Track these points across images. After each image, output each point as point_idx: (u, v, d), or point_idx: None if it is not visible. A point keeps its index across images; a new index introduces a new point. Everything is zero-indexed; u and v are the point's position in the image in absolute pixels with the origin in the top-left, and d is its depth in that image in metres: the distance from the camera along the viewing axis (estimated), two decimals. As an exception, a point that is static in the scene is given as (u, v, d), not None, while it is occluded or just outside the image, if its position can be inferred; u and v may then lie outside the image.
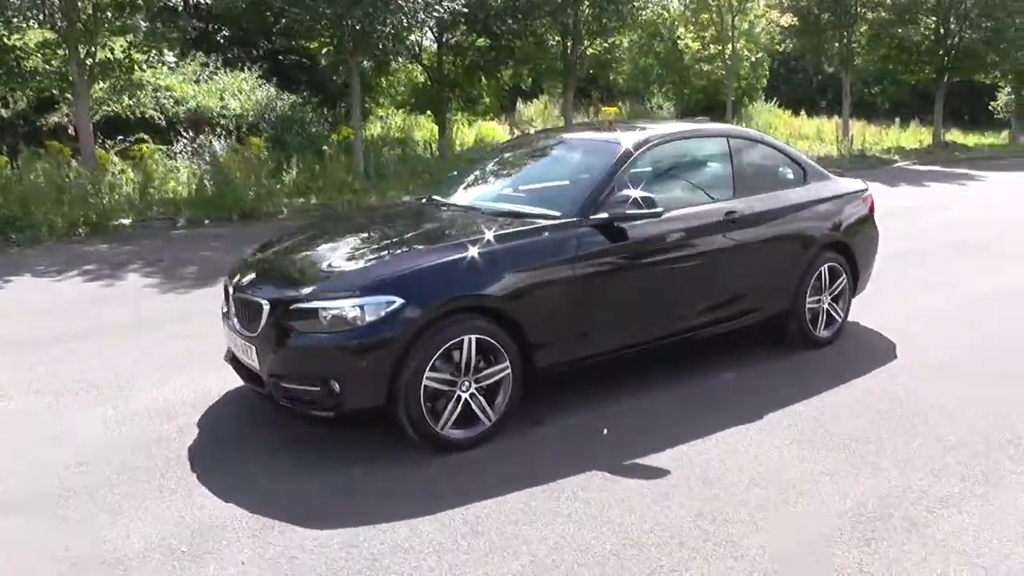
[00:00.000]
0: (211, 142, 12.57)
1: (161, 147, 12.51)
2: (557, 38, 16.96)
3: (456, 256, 3.71)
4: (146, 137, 12.40)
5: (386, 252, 3.85)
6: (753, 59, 24.95)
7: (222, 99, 14.95)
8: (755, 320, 4.90)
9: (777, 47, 24.37)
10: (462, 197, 4.83)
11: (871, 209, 5.60)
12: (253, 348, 3.71)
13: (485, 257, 3.73)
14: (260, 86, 15.86)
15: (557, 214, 4.12)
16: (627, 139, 4.51)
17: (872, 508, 3.21)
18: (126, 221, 9.82)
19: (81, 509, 3.22)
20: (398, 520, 3.12)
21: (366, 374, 3.47)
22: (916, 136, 29.78)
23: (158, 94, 13.95)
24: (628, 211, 4.02)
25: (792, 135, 26.92)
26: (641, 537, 3.00)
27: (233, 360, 4.13)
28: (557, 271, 3.90)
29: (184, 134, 13.22)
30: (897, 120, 31.32)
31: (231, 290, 3.94)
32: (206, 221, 10.24)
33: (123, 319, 5.92)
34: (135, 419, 4.08)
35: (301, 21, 12.04)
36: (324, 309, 3.50)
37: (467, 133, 19.76)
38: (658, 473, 3.53)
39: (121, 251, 8.62)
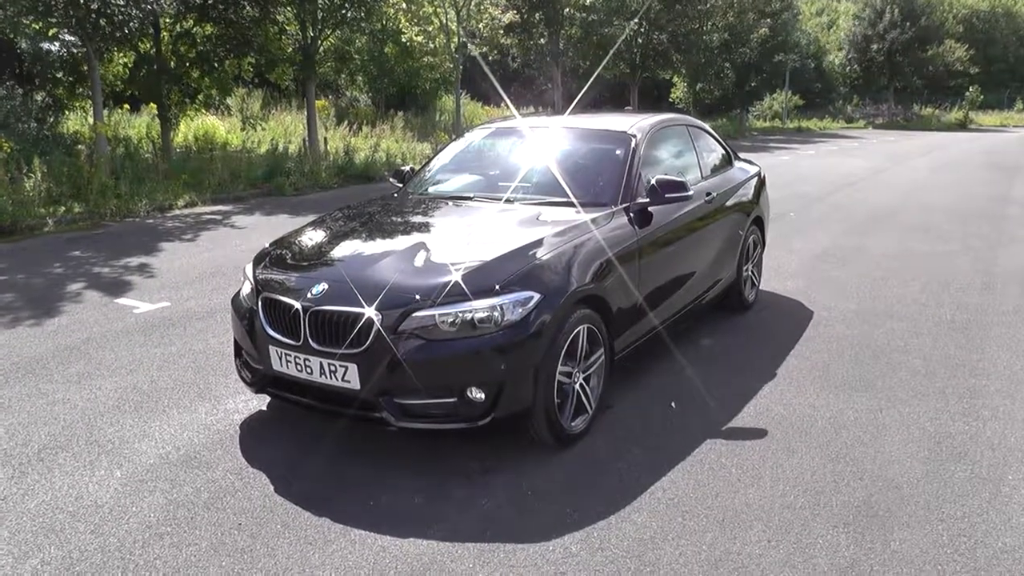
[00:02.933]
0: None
1: None
2: (296, 28, 16.36)
3: (562, 248, 3.74)
4: None
5: (478, 248, 3.71)
6: (477, 53, 26.41)
7: None
8: (719, 290, 5.56)
9: (502, 42, 26.07)
10: (468, 190, 4.73)
11: (764, 184, 6.62)
12: (348, 367, 3.35)
13: (581, 248, 3.83)
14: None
15: (604, 202, 4.32)
16: (631, 129, 4.84)
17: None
18: None
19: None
20: (590, 524, 3.15)
21: (515, 377, 3.36)
22: None
23: None
24: (667, 195, 4.36)
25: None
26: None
27: (276, 384, 3.68)
28: (622, 256, 4.11)
29: None
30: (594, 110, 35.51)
31: (297, 308, 3.47)
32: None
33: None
34: None
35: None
36: (457, 313, 3.31)
37: (189, 129, 18.17)
38: (758, 434, 3.96)
39: None
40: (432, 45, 22.04)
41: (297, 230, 4.46)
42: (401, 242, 3.85)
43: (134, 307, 6.23)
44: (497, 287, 3.39)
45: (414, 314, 3.32)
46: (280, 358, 3.57)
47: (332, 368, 3.40)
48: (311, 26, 15.79)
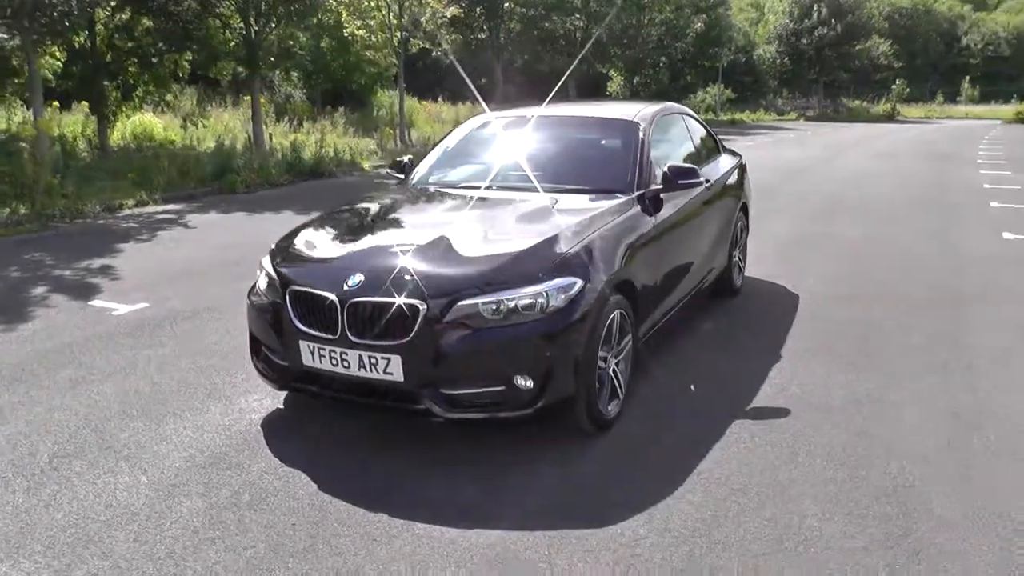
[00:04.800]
0: None
1: None
2: (239, 22, 15.94)
3: (595, 235, 3.76)
4: None
5: (511, 237, 3.70)
6: (415, 49, 26.27)
7: None
8: (715, 275, 5.68)
9: (446, 37, 25.99)
10: (478, 180, 4.69)
11: (746, 172, 6.79)
12: (391, 359, 3.31)
13: (610, 234, 3.87)
14: None
15: (620, 189, 4.36)
16: (636, 117, 4.90)
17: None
18: None
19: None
20: (649, 506, 3.20)
21: (560, 363, 3.37)
22: None
23: None
24: (680, 181, 4.45)
25: (430, 120, 29.33)
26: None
27: (306, 380, 3.62)
28: (643, 243, 4.17)
29: None
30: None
31: (333, 301, 3.41)
32: None
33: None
34: None
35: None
36: (503, 300, 3.30)
37: (125, 127, 17.55)
38: (781, 412, 4.08)
39: None
40: (374, 39, 21.79)
41: (310, 223, 4.36)
42: (428, 232, 3.80)
43: (112, 309, 6.00)
44: (540, 274, 3.40)
45: (460, 303, 3.30)
46: (312, 352, 3.50)
47: (373, 361, 3.35)
48: (255, 20, 15.40)
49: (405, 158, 5.38)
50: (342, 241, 3.89)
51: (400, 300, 3.31)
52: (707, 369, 4.69)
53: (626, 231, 4.02)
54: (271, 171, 13.78)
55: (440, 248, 3.61)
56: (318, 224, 4.28)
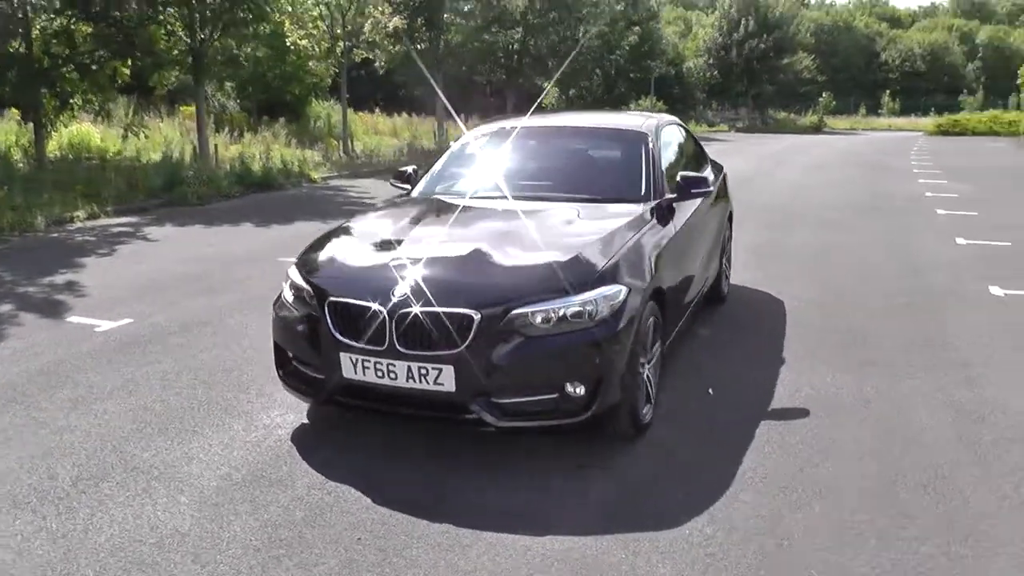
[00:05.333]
0: None
1: None
2: (183, 29, 15.55)
3: (631, 244, 3.85)
4: None
5: (551, 246, 3.73)
6: (359, 60, 26.08)
7: None
8: (711, 282, 5.84)
9: (390, 48, 25.84)
10: (494, 191, 4.72)
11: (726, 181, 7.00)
12: (442, 369, 3.31)
13: (642, 243, 3.96)
14: None
15: (637, 199, 4.47)
16: (643, 127, 5.01)
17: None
18: None
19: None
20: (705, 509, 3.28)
21: (609, 370, 3.42)
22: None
23: None
24: (692, 190, 4.58)
25: (368, 131, 29.24)
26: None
27: (346, 392, 3.58)
28: (666, 251, 4.27)
29: None
30: (463, 116, 36.09)
31: (381, 312, 3.38)
32: None
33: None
34: None
35: None
36: (554, 309, 3.34)
37: (62, 136, 16.88)
38: (801, 412, 4.23)
39: None
40: (316, 49, 21.55)
41: (332, 234, 4.30)
42: (463, 243, 3.81)
43: (94, 326, 5.78)
44: (587, 283, 3.45)
45: (513, 312, 3.32)
46: (355, 364, 3.47)
47: (423, 371, 3.34)
48: (200, 28, 15.04)
49: (409, 168, 5.36)
50: (376, 252, 3.85)
51: (452, 310, 3.32)
52: (715, 373, 4.80)
53: (652, 239, 4.12)
54: (221, 183, 13.47)
55: (481, 258, 3.63)
56: (342, 235, 4.23)
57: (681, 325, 4.76)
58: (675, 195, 4.58)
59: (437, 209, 4.55)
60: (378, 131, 30.21)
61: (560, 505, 3.25)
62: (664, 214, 4.46)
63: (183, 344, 5.39)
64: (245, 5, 15.13)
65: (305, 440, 3.89)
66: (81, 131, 17.41)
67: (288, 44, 20.83)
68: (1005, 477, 3.52)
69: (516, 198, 4.58)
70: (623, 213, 4.24)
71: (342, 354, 3.50)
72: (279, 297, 4.05)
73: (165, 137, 18.03)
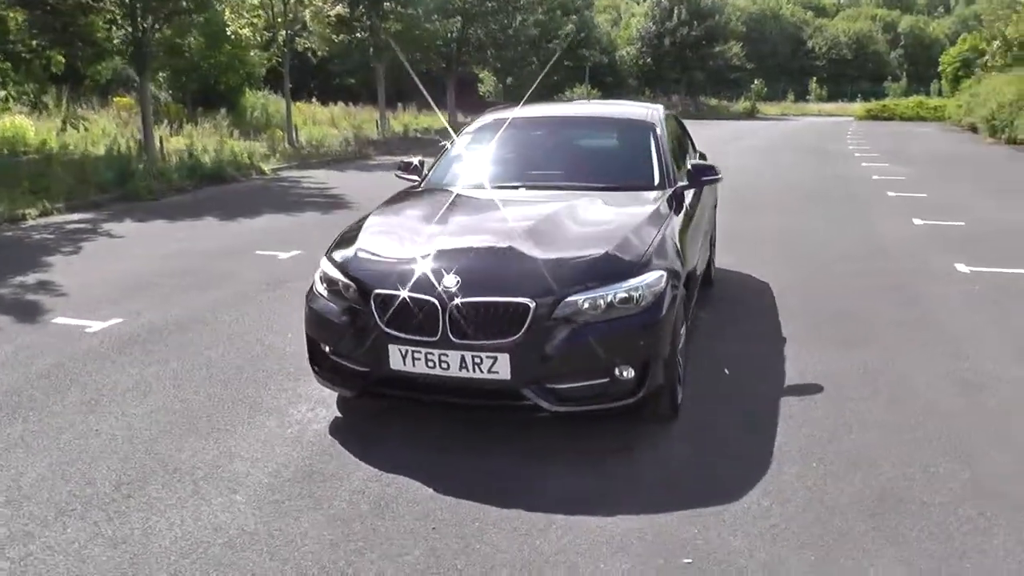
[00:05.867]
0: None
1: None
2: (122, 17, 14.98)
3: (661, 230, 3.96)
4: None
5: (590, 233, 3.81)
6: (300, 49, 25.61)
7: None
8: (704, 266, 6.01)
9: (332, 37, 25.42)
10: (513, 180, 4.77)
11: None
12: (497, 358, 3.37)
13: (669, 229, 4.08)
14: None
15: (652, 186, 4.59)
16: (649, 117, 5.14)
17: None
18: None
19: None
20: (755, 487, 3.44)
21: (655, 353, 3.53)
22: (430, 120, 34.90)
23: None
24: (703, 177, 4.73)
25: (307, 121, 28.79)
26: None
27: (391, 384, 3.61)
28: (684, 236, 4.40)
29: None
30: (400, 105, 35.97)
31: (433, 303, 3.41)
32: None
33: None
34: None
35: None
36: (605, 295, 3.43)
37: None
38: (816, 388, 4.43)
39: None
40: (258, 39, 21.06)
41: (361, 226, 4.25)
42: (502, 233, 3.87)
43: (84, 327, 5.61)
44: (633, 269, 3.56)
45: (566, 299, 3.40)
46: (404, 356, 3.49)
47: (477, 360, 3.39)
48: (141, 17, 14.51)
49: (414, 160, 5.36)
50: (415, 243, 3.85)
51: (508, 299, 3.38)
52: (722, 353, 4.96)
53: (676, 226, 4.25)
54: (173, 176, 13.12)
55: (526, 248, 3.68)
56: (373, 227, 4.20)
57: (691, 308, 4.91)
58: (687, 183, 4.72)
59: (461, 200, 4.56)
60: (316, 121, 29.69)
61: (618, 486, 3.35)
62: (680, 201, 4.60)
63: (185, 342, 5.29)
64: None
65: (344, 433, 3.89)
66: (15, 124, 16.65)
67: (228, 33, 20.24)
68: (1019, 442, 3.78)
69: (533, 188, 4.65)
70: (647, 201, 4.35)
71: (390, 346, 3.51)
72: (311, 291, 4.02)
73: (103, 130, 17.39)
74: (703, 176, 4.73)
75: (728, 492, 3.28)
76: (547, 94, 46.46)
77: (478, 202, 4.51)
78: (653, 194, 4.51)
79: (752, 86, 53.77)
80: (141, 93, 16.10)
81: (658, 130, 4.97)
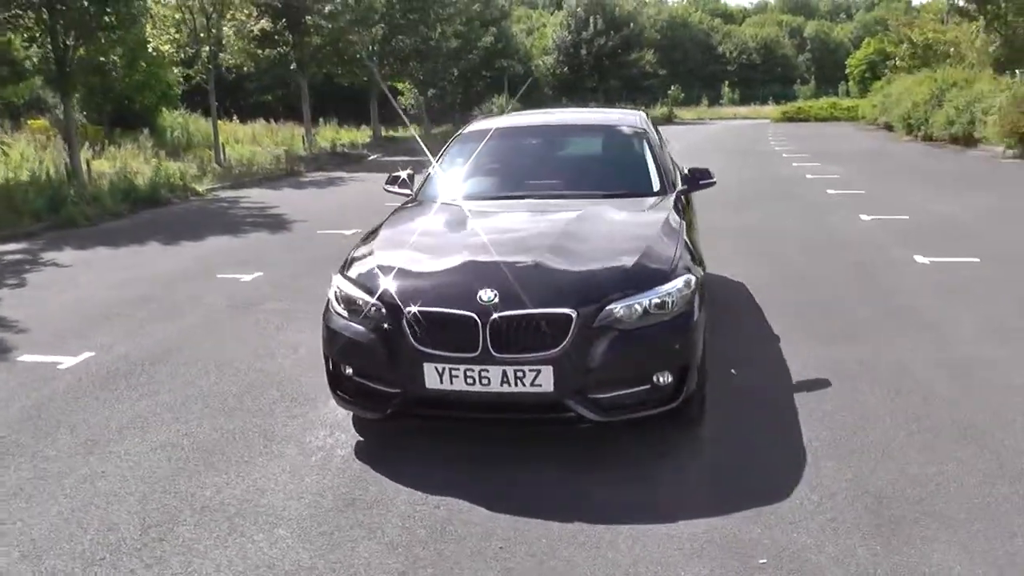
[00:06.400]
0: None
1: None
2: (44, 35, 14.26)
3: (681, 235, 4.02)
4: None
5: (617, 241, 3.81)
6: (225, 65, 24.91)
7: None
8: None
9: (258, 52, 24.85)
10: (513, 190, 4.74)
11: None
12: (540, 370, 3.32)
13: (685, 234, 4.12)
14: None
15: (655, 192, 4.63)
16: (639, 124, 5.20)
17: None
18: None
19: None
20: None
21: (692, 358, 3.55)
22: (354, 134, 34.62)
23: None
24: (700, 181, 4.81)
25: (228, 140, 28.11)
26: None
27: (424, 404, 3.54)
28: (693, 237, 4.46)
29: None
30: (321, 120, 35.57)
31: (473, 318, 3.34)
32: None
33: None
34: None
35: None
36: (642, 302, 3.43)
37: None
38: (824, 383, 4.54)
39: None
40: (181, 55, 20.40)
41: (373, 243, 4.14)
42: (529, 244, 3.84)
43: (54, 363, 5.28)
44: (665, 276, 3.58)
45: (607, 308, 3.39)
46: (441, 374, 3.41)
47: (520, 374, 3.34)
48: (63, 33, 13.84)
49: (402, 173, 5.27)
50: (438, 259, 3.78)
51: (550, 311, 3.34)
52: (725, 354, 4.99)
53: (685, 230, 4.30)
54: (107, 201, 12.56)
55: (555, 257, 3.66)
56: (388, 244, 4.08)
57: None
58: (686, 187, 4.79)
59: (474, 213, 4.46)
60: (238, 139, 28.95)
61: (666, 492, 3.35)
62: (684, 206, 4.66)
63: (171, 373, 5.05)
64: (111, 8, 14.08)
65: (372, 457, 3.77)
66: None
67: (150, 49, 19.52)
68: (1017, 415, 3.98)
69: (539, 197, 4.63)
70: (657, 207, 4.39)
71: (426, 364, 3.43)
72: (327, 311, 3.90)
73: (22, 154, 16.51)
74: (700, 180, 4.82)
75: (775, 490, 3.32)
76: (470, 105, 46.68)
77: (492, 214, 4.45)
78: (659, 200, 4.55)
79: (669, 92, 55.15)
80: (65, 114, 15.40)
81: (651, 136, 5.03)
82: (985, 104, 19.06)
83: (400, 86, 44.74)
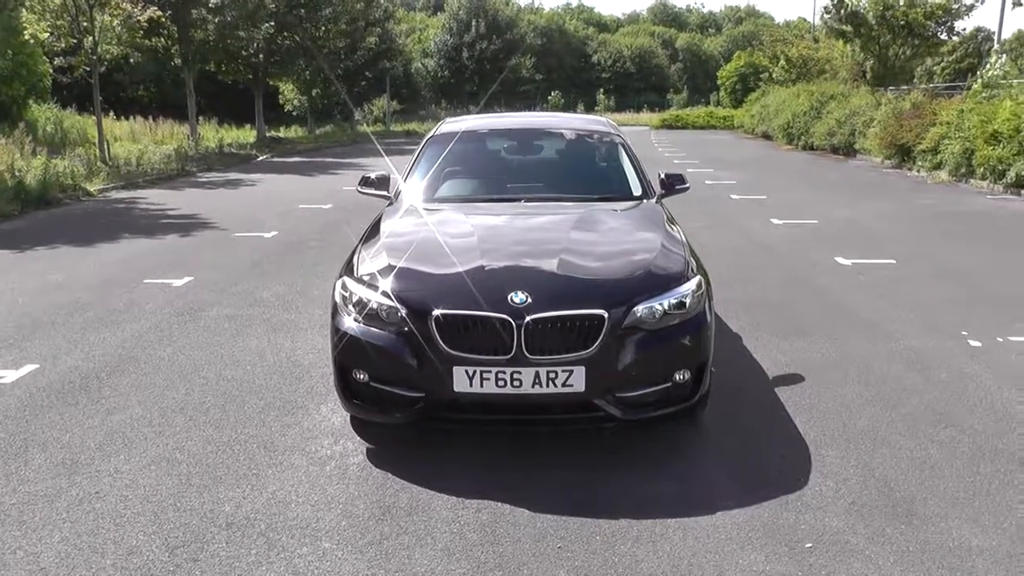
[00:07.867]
0: None
1: None
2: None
3: (680, 238, 4.12)
4: None
5: (627, 242, 3.88)
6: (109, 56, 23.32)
7: None
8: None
9: (145, 42, 23.40)
10: (497, 192, 4.73)
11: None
12: (573, 371, 3.34)
13: (681, 236, 4.24)
14: None
15: (635, 195, 4.75)
16: (610, 129, 5.30)
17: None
18: None
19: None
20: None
21: (707, 356, 3.67)
22: (237, 133, 33.39)
23: None
24: (676, 186, 4.98)
25: (109, 136, 26.53)
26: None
27: (451, 408, 3.50)
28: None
29: None
30: (201, 118, 34.20)
31: (507, 320, 3.32)
32: None
33: None
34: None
35: None
36: (665, 302, 3.52)
37: None
38: (797, 378, 4.79)
39: None
40: (62, 45, 18.97)
41: (379, 245, 4.00)
42: (545, 247, 3.85)
43: (-3, 378, 4.84)
44: (680, 277, 3.69)
45: (635, 308, 3.45)
46: (471, 377, 3.37)
47: (552, 375, 3.35)
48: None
49: (373, 175, 5.15)
50: (454, 262, 3.70)
51: (583, 312, 3.37)
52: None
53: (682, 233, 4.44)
54: (-5, 201, 11.55)
55: (576, 259, 3.70)
56: (392, 248, 3.96)
57: None
58: (664, 191, 4.93)
59: (477, 215, 4.42)
60: (116, 136, 27.22)
61: (699, 485, 3.46)
62: (666, 209, 4.80)
63: (135, 385, 4.73)
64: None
65: (389, 463, 3.67)
66: None
67: (27, 37, 18.04)
68: (990, 393, 4.38)
69: (531, 200, 4.63)
70: (648, 210, 4.50)
71: (455, 368, 3.38)
72: (335, 315, 3.76)
73: None
74: (676, 185, 4.97)
75: (792, 479, 3.49)
76: (353, 105, 45.81)
77: (490, 216, 4.43)
78: (644, 203, 4.67)
79: (549, 97, 56.13)
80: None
81: (626, 143, 5.15)
82: (865, 117, 20.32)
83: (282, 86, 43.40)
